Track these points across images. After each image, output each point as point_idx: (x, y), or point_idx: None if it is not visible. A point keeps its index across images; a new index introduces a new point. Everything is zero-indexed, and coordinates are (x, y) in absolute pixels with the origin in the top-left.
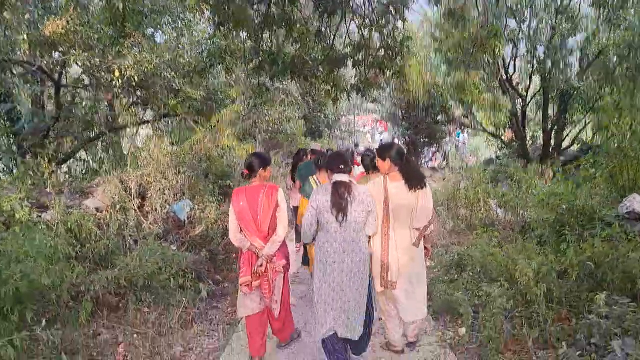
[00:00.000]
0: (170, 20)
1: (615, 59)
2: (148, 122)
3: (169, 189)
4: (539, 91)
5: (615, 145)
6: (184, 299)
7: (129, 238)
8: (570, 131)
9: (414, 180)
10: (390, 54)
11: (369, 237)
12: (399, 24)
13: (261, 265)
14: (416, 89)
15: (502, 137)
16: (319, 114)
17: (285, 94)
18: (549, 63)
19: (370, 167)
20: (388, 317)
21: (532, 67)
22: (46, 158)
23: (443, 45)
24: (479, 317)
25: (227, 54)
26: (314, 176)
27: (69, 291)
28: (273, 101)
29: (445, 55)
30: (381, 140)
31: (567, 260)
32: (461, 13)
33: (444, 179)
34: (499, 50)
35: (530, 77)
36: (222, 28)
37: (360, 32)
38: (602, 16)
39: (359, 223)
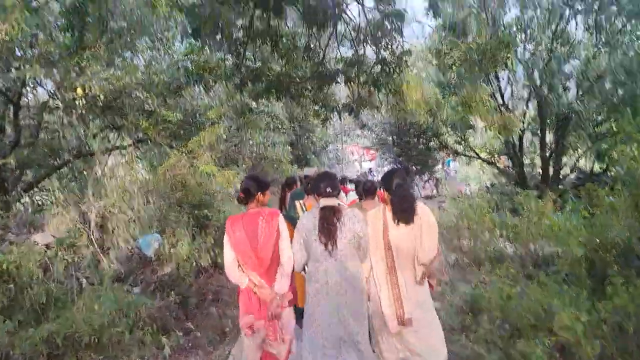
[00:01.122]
0: (147, 40)
1: (610, 85)
2: (119, 147)
3: (135, 221)
4: (535, 117)
5: None
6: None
7: (83, 280)
8: (569, 158)
9: (400, 212)
10: (387, 69)
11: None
12: (397, 37)
13: (278, 306)
14: (415, 108)
15: (498, 164)
16: (306, 140)
17: (270, 117)
18: (545, 88)
19: (364, 194)
20: None
21: (529, 91)
22: None
23: (447, 59)
24: None
25: (206, 70)
26: (301, 200)
27: None
28: (257, 124)
29: (450, 68)
30: (369, 169)
31: (618, 309)
32: (462, 26)
33: (439, 208)
34: (512, 63)
35: (527, 102)
36: (196, 36)
37: (354, 46)
38: (598, 39)
39: (351, 250)
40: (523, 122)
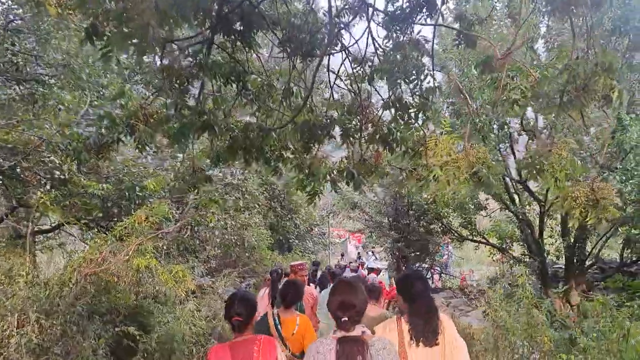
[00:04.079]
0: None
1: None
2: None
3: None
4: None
5: None
6: None
7: None
8: (594, 246)
9: (423, 331)
10: (405, 116)
11: None
12: (422, 70)
13: None
14: (454, 183)
15: (511, 252)
16: (287, 223)
17: (241, 192)
18: None
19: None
20: None
21: None
22: None
23: (510, 91)
24: None
25: (140, 120)
26: (274, 310)
27: None
28: (223, 201)
29: (511, 107)
30: (358, 254)
31: None
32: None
33: (448, 305)
34: (619, 95)
35: None
36: (91, 39)
37: (355, 85)
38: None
39: None
40: (543, 203)
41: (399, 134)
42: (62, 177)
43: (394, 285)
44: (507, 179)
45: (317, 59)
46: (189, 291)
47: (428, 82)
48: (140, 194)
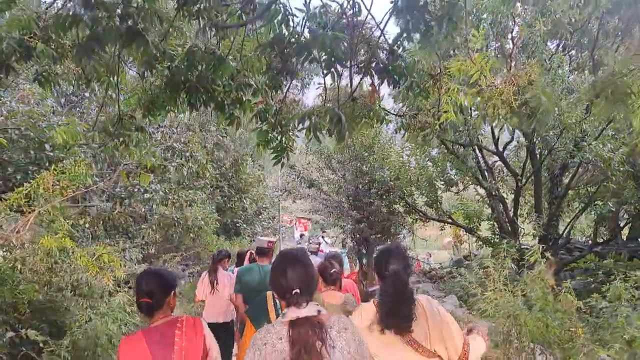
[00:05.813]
0: None
1: None
2: None
3: None
4: (532, 173)
5: None
6: None
7: None
8: (568, 224)
9: (392, 316)
10: (421, 25)
11: None
12: None
13: None
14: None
15: (478, 232)
16: (236, 204)
17: (183, 157)
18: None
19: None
20: None
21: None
22: None
23: None
24: None
25: (37, 36)
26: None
27: None
28: (163, 167)
29: None
30: (309, 238)
31: None
32: None
33: (416, 291)
34: None
35: (527, 152)
36: None
37: None
38: None
39: None
40: (520, 179)
41: (404, 61)
42: None
43: (355, 270)
44: (477, 151)
45: None
46: (120, 280)
47: None
48: (52, 154)
